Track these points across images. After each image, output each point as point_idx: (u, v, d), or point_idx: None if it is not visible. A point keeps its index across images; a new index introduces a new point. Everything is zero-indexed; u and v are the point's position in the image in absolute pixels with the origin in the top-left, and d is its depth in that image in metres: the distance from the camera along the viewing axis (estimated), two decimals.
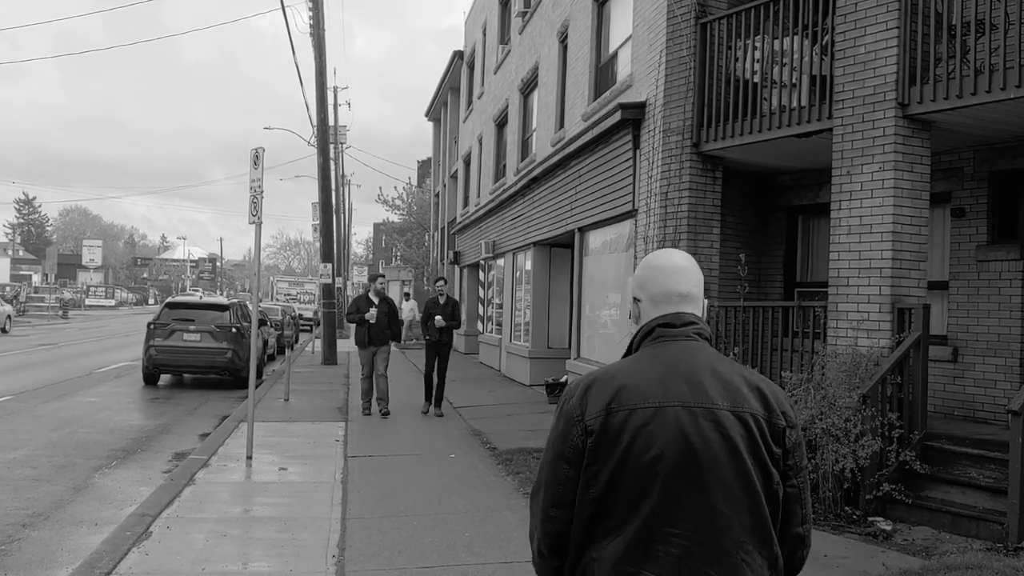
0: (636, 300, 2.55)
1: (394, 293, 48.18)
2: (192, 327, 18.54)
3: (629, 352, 2.51)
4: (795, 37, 9.92)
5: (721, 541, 2.25)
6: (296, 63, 60.96)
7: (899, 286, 8.63)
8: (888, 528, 7.55)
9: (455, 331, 15.32)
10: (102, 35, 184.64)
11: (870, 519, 7.74)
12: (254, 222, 10.74)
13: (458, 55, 33.52)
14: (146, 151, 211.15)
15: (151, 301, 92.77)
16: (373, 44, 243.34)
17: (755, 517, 2.28)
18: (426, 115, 44.61)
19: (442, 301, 14.46)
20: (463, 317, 25.18)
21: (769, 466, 2.31)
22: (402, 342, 31.30)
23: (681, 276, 2.50)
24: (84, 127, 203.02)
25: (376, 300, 14.13)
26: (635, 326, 2.55)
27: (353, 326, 14.67)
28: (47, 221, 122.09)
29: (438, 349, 14.38)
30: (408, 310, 35.24)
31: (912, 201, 8.69)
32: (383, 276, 15.39)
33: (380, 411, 13.97)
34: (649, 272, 2.53)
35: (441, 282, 14.98)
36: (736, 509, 2.26)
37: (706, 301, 2.57)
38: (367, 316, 13.86)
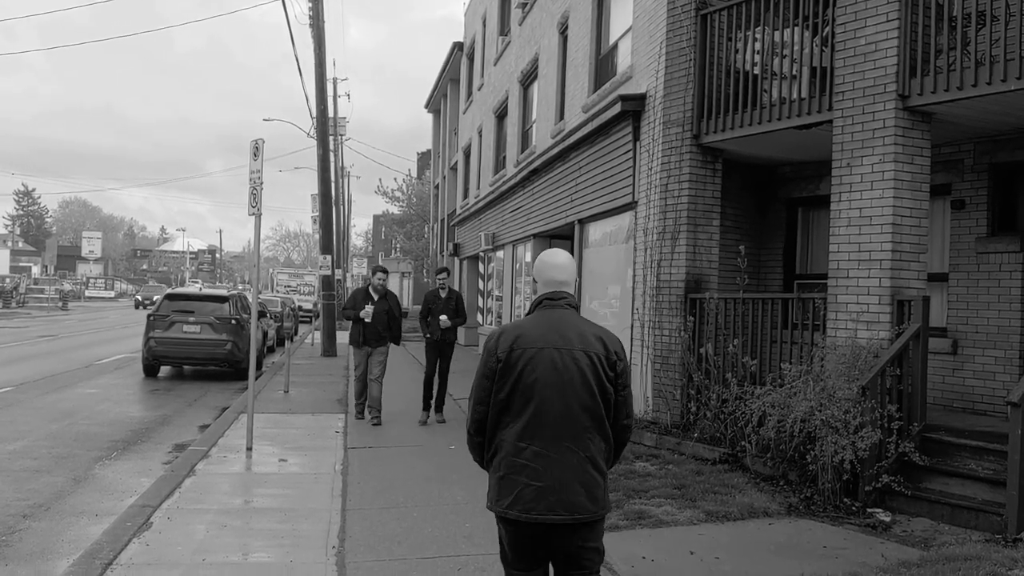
0: (534, 281, 4.12)
1: (393, 286, 48.12)
2: (192, 319, 18.56)
3: (529, 313, 4.06)
4: (795, 28, 9.90)
5: (575, 426, 3.83)
6: (296, 55, 60.93)
7: (899, 278, 8.63)
8: (887, 519, 7.57)
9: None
10: (97, 26, 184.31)
11: (869, 510, 7.75)
12: (254, 213, 10.73)
13: (458, 46, 33.46)
14: (143, 142, 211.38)
15: None
16: (368, 35, 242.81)
17: (595, 413, 3.86)
18: (426, 107, 44.54)
19: (444, 295, 12.84)
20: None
21: (606, 383, 3.88)
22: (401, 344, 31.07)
23: (560, 269, 4.05)
24: (81, 119, 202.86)
25: (375, 296, 12.63)
26: (533, 297, 4.11)
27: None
28: (47, 213, 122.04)
29: (440, 349, 12.77)
30: None
31: (912, 193, 8.69)
32: (384, 271, 13.15)
33: (370, 419, 12.51)
34: (541, 265, 4.09)
35: (443, 274, 13.19)
36: (584, 408, 3.83)
37: (578, 279, 4.36)
38: (362, 314, 12.46)
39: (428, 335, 12.75)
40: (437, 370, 12.74)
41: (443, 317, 12.51)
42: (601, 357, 3.88)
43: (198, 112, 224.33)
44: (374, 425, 12.29)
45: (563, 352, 3.84)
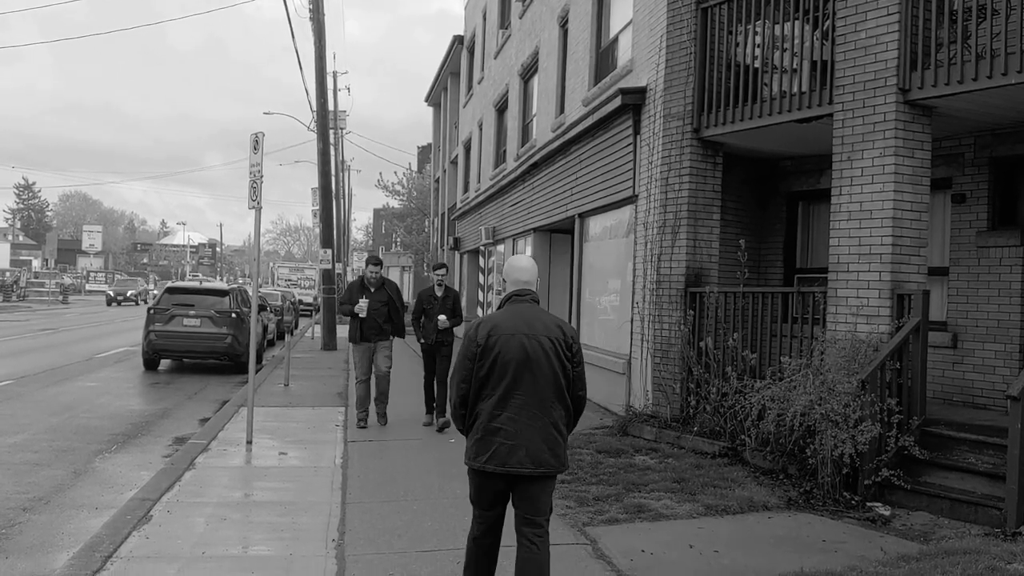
0: (504, 280, 5.10)
1: (394, 280, 48.02)
2: (192, 312, 18.57)
3: (501, 307, 5.04)
4: (796, 22, 9.88)
5: (541, 398, 4.82)
6: (296, 48, 60.90)
7: (899, 272, 8.62)
8: (887, 513, 7.57)
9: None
10: (96, 21, 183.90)
11: (869, 504, 7.76)
12: (254, 207, 10.72)
13: (458, 40, 33.40)
14: (142, 136, 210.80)
15: (151, 286, 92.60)
16: (367, 30, 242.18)
17: (557, 387, 4.87)
18: (426, 100, 44.48)
19: (440, 293, 11.86)
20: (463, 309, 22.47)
21: (565, 362, 4.90)
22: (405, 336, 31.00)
23: (525, 271, 5.05)
24: (78, 113, 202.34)
25: (371, 289, 11.65)
26: (503, 294, 5.10)
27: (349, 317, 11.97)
28: (47, 206, 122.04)
29: (436, 351, 11.81)
30: None
31: (912, 187, 8.68)
32: (378, 262, 12.03)
33: (377, 414, 11.78)
34: (510, 268, 5.10)
35: (442, 270, 12.20)
36: (548, 384, 4.84)
37: (538, 279, 5.11)
38: (355, 309, 11.48)
39: (421, 339, 11.91)
40: (436, 373, 11.82)
41: (442, 317, 11.62)
42: (560, 341, 4.90)
43: (196, 107, 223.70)
44: (381, 423, 11.70)
45: (530, 338, 4.85)
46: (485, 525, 5.01)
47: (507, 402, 4.81)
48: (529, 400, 4.81)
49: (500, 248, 23.21)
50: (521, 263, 5.10)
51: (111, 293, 59.04)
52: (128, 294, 59.40)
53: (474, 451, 4.87)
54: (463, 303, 15.76)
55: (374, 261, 12.01)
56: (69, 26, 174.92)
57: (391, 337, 11.85)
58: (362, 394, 11.72)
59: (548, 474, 4.84)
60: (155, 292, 48.75)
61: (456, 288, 24.73)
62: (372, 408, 11.80)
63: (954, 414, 9.00)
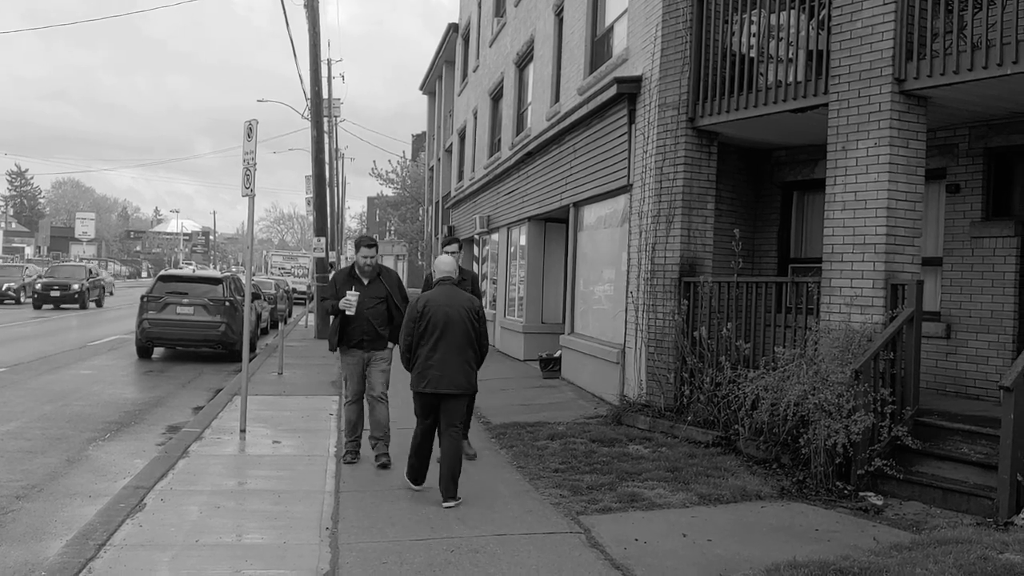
0: (434, 271, 7.94)
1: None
2: (185, 300, 18.53)
3: (432, 287, 7.91)
4: (792, 11, 9.85)
5: (458, 345, 7.50)
6: (290, 34, 60.65)
7: (893, 262, 8.63)
8: (879, 503, 7.60)
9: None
10: (85, 8, 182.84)
11: (862, 494, 7.78)
12: (247, 194, 10.69)
13: (453, 28, 33.31)
14: (129, 124, 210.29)
15: (144, 274, 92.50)
16: (362, 17, 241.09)
17: (468, 338, 7.56)
18: (420, 88, 44.38)
19: (455, 277, 8.18)
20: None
21: (475, 323, 7.64)
22: None
23: (447, 266, 7.86)
24: (66, 100, 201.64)
25: (365, 281, 8.93)
26: (434, 279, 7.93)
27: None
28: (39, 193, 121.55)
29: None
30: None
31: (907, 177, 8.68)
32: (372, 243, 9.15)
33: (375, 457, 8.74)
34: (438, 264, 7.93)
35: (454, 246, 9.41)
36: (463, 337, 7.52)
37: (456, 269, 8.06)
38: (341, 304, 8.73)
39: None
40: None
41: None
42: (470, 310, 7.62)
43: (184, 95, 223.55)
44: (381, 466, 8.64)
45: (451, 307, 7.54)
46: (424, 427, 7.65)
47: (436, 348, 7.42)
48: (451, 346, 7.43)
49: (495, 237, 23.18)
50: (445, 261, 7.94)
51: (38, 287, 35.68)
52: (74, 287, 35.96)
53: (416, 381, 7.51)
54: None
55: (367, 243, 9.08)
56: (56, 14, 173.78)
57: (390, 346, 8.99)
58: (353, 417, 8.99)
59: (464, 393, 7.52)
60: (87, 284, 36.54)
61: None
62: (365, 441, 9.10)
63: (947, 404, 9.03)
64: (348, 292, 8.78)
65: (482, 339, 7.64)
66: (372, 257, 9.00)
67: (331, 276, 9.44)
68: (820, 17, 9.58)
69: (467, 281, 9.18)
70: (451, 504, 7.30)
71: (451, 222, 32.18)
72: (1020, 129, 9.48)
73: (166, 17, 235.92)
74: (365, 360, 8.91)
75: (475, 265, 26.49)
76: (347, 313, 8.77)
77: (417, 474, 7.79)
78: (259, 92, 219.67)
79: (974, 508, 7.25)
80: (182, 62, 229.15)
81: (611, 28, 14.49)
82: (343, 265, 21.36)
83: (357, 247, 9.17)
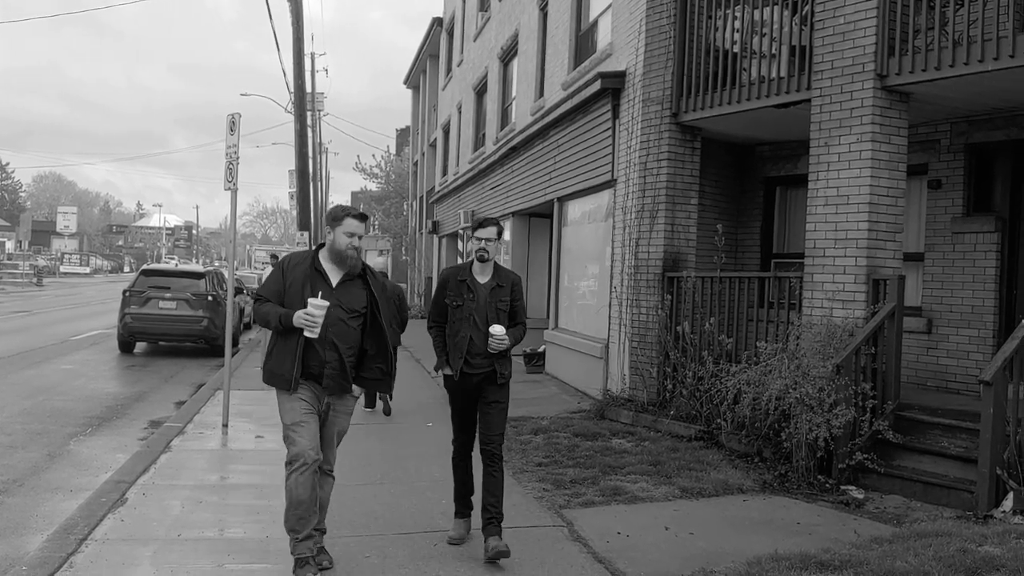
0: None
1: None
2: (168, 295, 18.44)
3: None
4: (775, 7, 9.89)
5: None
6: (273, 28, 60.22)
7: (875, 257, 8.68)
8: (860, 496, 7.65)
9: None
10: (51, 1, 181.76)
11: (843, 488, 7.83)
12: (230, 188, 10.64)
13: (437, 22, 33.22)
14: (105, 118, 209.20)
15: (126, 269, 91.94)
16: (346, 10, 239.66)
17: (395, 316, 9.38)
18: (404, 83, 44.22)
19: (486, 278, 6.27)
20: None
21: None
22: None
23: (378, 266, 7.85)
24: (35, 93, 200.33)
25: (333, 280, 5.56)
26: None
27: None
28: (20, 187, 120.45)
29: (479, 390, 6.09)
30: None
31: (889, 172, 8.73)
32: (361, 216, 5.68)
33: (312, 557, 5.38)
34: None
35: (489, 230, 6.28)
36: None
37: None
38: (298, 320, 5.30)
39: (444, 368, 6.20)
40: (477, 431, 6.16)
41: (497, 328, 5.97)
42: (398, 294, 9.81)
43: (159, 89, 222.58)
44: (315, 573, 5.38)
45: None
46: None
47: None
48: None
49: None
50: (376, 261, 9.18)
51: None
52: None
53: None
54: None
55: (356, 215, 5.66)
56: (26, 5, 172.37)
57: (356, 393, 5.72)
58: (303, 496, 5.34)
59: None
60: None
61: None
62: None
63: (928, 399, 9.09)
64: (313, 304, 5.30)
65: (402, 311, 10.61)
66: (359, 237, 5.61)
67: (279, 261, 5.83)
68: (803, 13, 9.61)
69: (505, 288, 6.25)
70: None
71: (435, 217, 32.14)
72: (1001, 125, 9.55)
73: (138, 10, 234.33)
74: (325, 406, 5.58)
75: (459, 259, 26.47)
76: (305, 335, 5.36)
77: None
78: (236, 86, 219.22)
79: (954, 501, 7.31)
80: (154, 56, 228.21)
81: (595, 23, 14.49)
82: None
83: (336, 220, 5.59)
